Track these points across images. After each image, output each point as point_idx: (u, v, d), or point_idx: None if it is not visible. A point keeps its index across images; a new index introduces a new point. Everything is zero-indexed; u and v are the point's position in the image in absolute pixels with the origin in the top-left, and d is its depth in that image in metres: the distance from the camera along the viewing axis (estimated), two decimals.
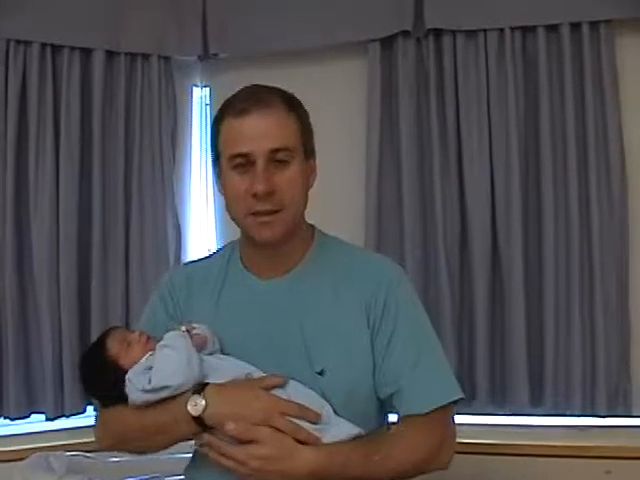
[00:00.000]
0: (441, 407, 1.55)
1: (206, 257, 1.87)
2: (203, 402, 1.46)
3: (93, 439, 2.68)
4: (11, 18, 2.67)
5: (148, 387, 1.50)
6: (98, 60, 2.81)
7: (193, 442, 1.63)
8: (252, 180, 1.52)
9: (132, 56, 2.89)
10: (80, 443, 2.70)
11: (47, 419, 2.75)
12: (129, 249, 2.87)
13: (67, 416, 2.76)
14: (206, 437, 1.48)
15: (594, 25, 2.63)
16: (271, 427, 1.44)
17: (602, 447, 2.64)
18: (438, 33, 2.76)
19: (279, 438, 1.44)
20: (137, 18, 2.87)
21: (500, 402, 2.69)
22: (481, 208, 2.71)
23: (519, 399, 2.65)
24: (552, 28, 2.67)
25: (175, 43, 2.92)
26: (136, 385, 1.51)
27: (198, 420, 1.46)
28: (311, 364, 1.55)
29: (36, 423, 2.79)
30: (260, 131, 1.53)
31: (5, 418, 2.71)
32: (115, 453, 2.67)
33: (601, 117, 2.64)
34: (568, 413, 2.66)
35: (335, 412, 1.52)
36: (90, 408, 2.79)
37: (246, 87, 1.62)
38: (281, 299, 1.62)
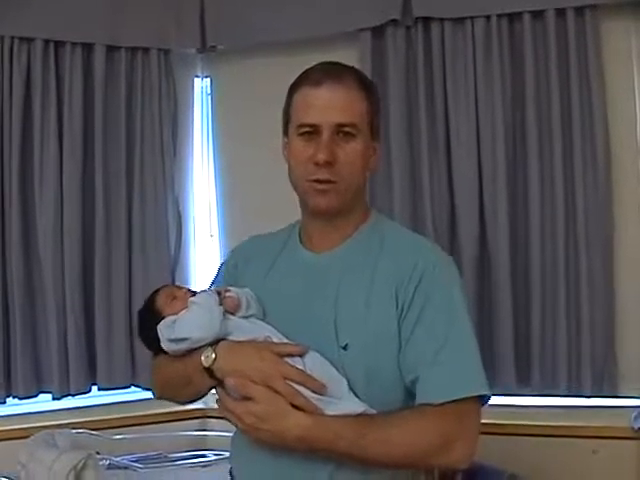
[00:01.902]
0: (459, 400, 1.48)
1: (276, 231, 1.88)
2: (213, 355, 1.54)
3: (98, 417, 2.85)
4: (14, 16, 2.78)
5: (172, 337, 1.61)
6: (99, 55, 2.92)
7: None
8: (316, 148, 1.57)
9: (132, 50, 2.99)
10: (85, 421, 2.82)
11: (54, 398, 2.87)
12: (132, 235, 3.00)
13: (73, 395, 2.88)
14: (218, 390, 1.56)
15: (579, 10, 2.67)
16: (270, 388, 1.47)
17: (588, 427, 2.68)
18: (426, 21, 2.82)
19: (273, 398, 1.47)
20: (136, 13, 2.98)
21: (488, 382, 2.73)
22: (469, 192, 2.78)
23: (506, 379, 2.71)
24: (537, 14, 2.71)
25: (174, 37, 3.03)
26: (164, 335, 1.63)
27: (209, 372, 1.55)
28: (337, 338, 1.56)
29: (43, 402, 2.91)
30: (329, 104, 1.57)
31: (14, 397, 2.83)
32: (119, 430, 2.84)
33: (587, 101, 2.68)
34: (554, 393, 2.71)
35: (354, 392, 1.51)
36: (94, 388, 2.93)
37: (325, 61, 1.67)
38: (323, 272, 1.65)
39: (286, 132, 1.68)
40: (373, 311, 1.57)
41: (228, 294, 1.65)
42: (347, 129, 1.58)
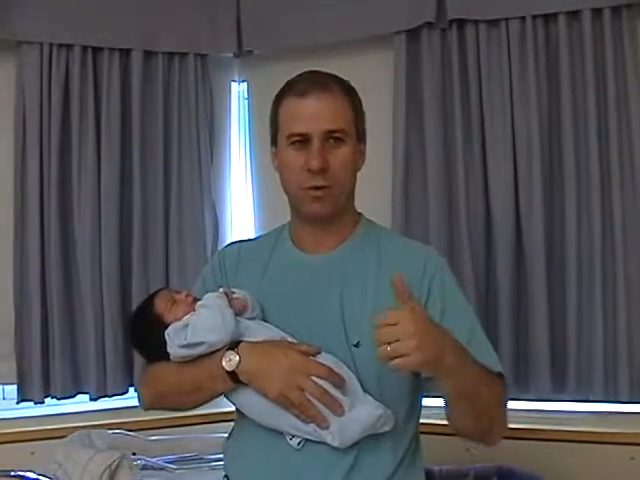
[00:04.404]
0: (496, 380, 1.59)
1: (258, 236, 1.95)
2: (237, 357, 1.53)
3: (135, 419, 2.88)
4: (53, 24, 2.84)
5: (184, 342, 1.57)
6: (137, 60, 2.96)
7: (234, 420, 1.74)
8: (308, 157, 1.60)
9: (169, 55, 3.03)
10: (122, 422, 2.86)
11: (91, 399, 2.91)
12: (168, 238, 3.03)
13: (110, 396, 2.92)
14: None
15: (616, 10, 2.63)
16: (298, 387, 1.49)
17: (626, 433, 2.65)
18: (461, 23, 2.81)
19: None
20: (173, 18, 3.01)
21: (523, 387, 2.71)
22: (504, 193, 2.76)
23: (541, 384, 2.68)
24: (573, 14, 2.67)
25: (210, 41, 3.05)
26: (174, 340, 1.59)
27: (232, 375, 1.53)
28: (347, 337, 1.59)
29: (81, 403, 2.95)
30: (317, 113, 1.61)
31: (52, 397, 2.88)
32: (155, 431, 2.87)
33: (624, 102, 2.64)
34: (590, 399, 2.67)
35: (365, 390, 1.54)
36: (132, 389, 2.95)
37: (306, 71, 1.71)
38: (323, 273, 1.68)
39: (274, 142, 1.72)
40: (382, 307, 1.56)
41: (234, 295, 1.64)
42: (337, 135, 1.62)
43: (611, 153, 2.63)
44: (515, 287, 2.75)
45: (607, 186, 2.64)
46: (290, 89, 1.66)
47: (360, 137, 1.71)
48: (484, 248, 2.80)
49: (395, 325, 1.34)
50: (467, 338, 1.56)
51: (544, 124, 2.71)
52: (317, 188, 1.61)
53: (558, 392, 2.68)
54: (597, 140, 2.64)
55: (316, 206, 1.63)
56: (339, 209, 1.68)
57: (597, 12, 2.64)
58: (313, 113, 1.61)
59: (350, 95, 1.68)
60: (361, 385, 1.55)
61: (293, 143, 1.63)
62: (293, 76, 1.70)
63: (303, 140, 1.61)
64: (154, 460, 2.74)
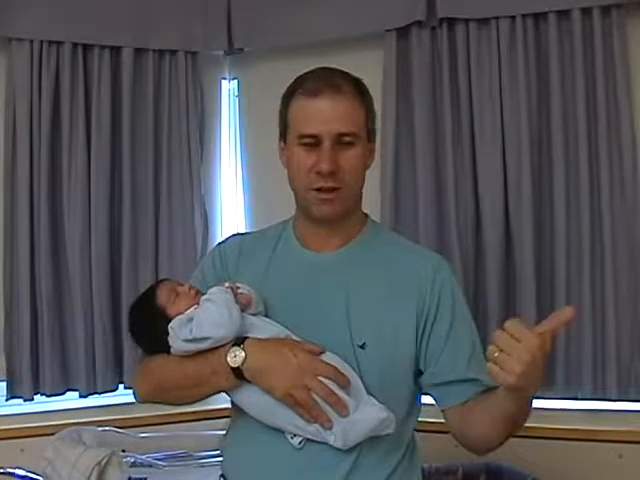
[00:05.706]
0: None
1: (260, 230, 1.89)
2: (243, 354, 1.50)
3: (124, 416, 2.88)
4: (43, 21, 2.83)
5: (190, 337, 1.53)
6: (127, 58, 2.96)
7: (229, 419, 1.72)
8: (318, 158, 1.57)
9: (160, 53, 3.03)
10: (112, 419, 2.86)
11: (80, 396, 2.91)
12: (158, 236, 3.04)
13: (99, 393, 2.91)
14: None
15: (605, 10, 2.63)
16: (305, 387, 1.47)
17: (614, 431, 2.65)
18: (451, 22, 2.81)
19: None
20: (164, 16, 3.01)
21: None
22: (494, 193, 2.76)
23: None
24: (563, 14, 2.68)
25: (201, 39, 3.05)
26: (178, 334, 1.55)
27: (237, 372, 1.50)
28: (352, 337, 1.57)
29: (70, 400, 2.95)
30: (330, 115, 1.58)
31: (41, 395, 2.87)
32: (145, 428, 2.87)
33: (613, 101, 2.64)
34: (579, 397, 2.67)
35: (369, 392, 1.52)
36: (121, 386, 2.96)
37: (319, 68, 1.67)
38: (329, 272, 1.67)
39: (283, 138, 1.69)
40: (391, 313, 1.60)
41: (239, 290, 1.60)
42: (348, 139, 1.59)
43: (600, 151, 2.63)
44: (504, 286, 2.76)
45: (596, 183, 2.65)
46: (302, 87, 1.62)
47: (371, 137, 1.69)
48: (473, 248, 2.80)
49: (517, 341, 1.31)
50: (470, 352, 1.63)
51: (534, 122, 2.72)
52: (327, 190, 1.59)
53: (547, 390, 2.67)
54: (586, 138, 2.64)
55: (326, 208, 1.62)
56: (348, 209, 1.66)
57: (587, 11, 2.64)
58: (325, 115, 1.58)
59: (363, 95, 1.65)
60: (364, 386, 1.53)
61: (303, 144, 1.60)
62: (303, 72, 1.67)
63: (313, 142, 1.58)
64: (143, 457, 2.74)
